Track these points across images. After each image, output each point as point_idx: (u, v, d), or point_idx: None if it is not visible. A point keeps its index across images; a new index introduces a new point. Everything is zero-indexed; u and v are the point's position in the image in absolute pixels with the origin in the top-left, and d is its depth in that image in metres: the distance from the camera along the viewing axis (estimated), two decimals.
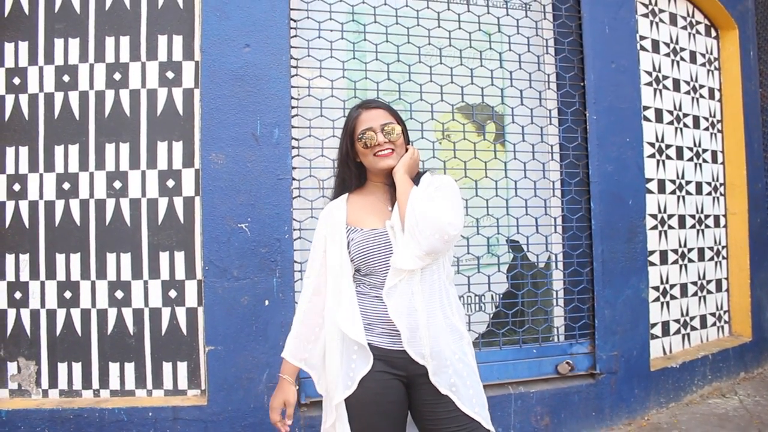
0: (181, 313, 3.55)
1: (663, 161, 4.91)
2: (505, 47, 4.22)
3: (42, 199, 3.53)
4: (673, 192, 4.99)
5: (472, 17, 4.11)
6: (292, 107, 3.63)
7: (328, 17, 3.78)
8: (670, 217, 4.96)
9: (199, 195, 3.53)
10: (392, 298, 2.08)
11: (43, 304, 3.51)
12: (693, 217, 5.19)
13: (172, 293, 3.55)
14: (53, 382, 3.50)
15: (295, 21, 3.71)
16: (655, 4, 4.96)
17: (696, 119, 5.29)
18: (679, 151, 5.08)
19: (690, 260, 5.14)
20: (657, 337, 4.77)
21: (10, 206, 3.52)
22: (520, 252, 4.23)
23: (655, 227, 4.81)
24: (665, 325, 4.87)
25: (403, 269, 2.06)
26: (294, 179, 3.60)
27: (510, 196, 4.13)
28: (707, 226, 5.35)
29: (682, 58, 5.18)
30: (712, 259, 5.39)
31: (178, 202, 3.57)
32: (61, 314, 3.51)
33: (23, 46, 3.55)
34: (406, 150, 2.28)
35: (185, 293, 3.56)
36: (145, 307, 3.54)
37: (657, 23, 4.96)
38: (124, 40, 3.58)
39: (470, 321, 3.98)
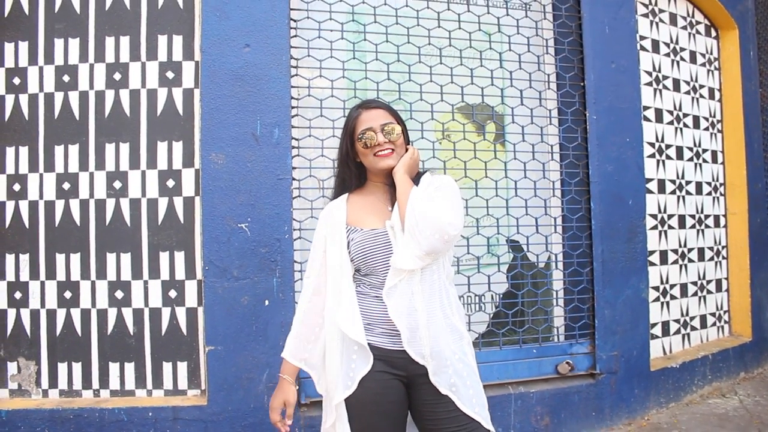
0: (181, 313, 3.55)
1: (663, 161, 4.91)
2: (505, 47, 4.22)
3: (42, 199, 3.53)
4: (673, 192, 4.99)
5: (472, 17, 4.11)
6: (292, 107, 3.63)
7: (328, 17, 3.78)
8: (670, 217, 4.96)
9: (199, 195, 3.53)
10: (392, 298, 2.08)
11: (43, 304, 3.51)
12: (693, 217, 5.19)
13: (172, 293, 3.55)
14: (53, 382, 3.50)
15: (295, 21, 3.71)
16: (655, 4, 4.96)
17: (696, 119, 5.29)
18: (679, 151, 5.08)
19: (690, 260, 5.14)
20: (657, 337, 4.77)
21: (10, 206, 3.52)
22: (520, 252, 4.23)
23: (655, 227, 4.81)
24: (665, 325, 4.87)
25: (403, 269, 2.06)
26: (294, 179, 3.60)
27: (510, 196, 4.13)
28: (707, 226, 5.35)
29: (682, 58, 5.18)
30: (712, 259, 5.39)
31: (178, 202, 3.57)
32: (61, 314, 3.51)
33: (23, 46, 3.55)
34: (406, 150, 2.28)
35: (185, 293, 3.56)
36: (145, 307, 3.54)
37: (657, 23, 4.96)
38: (124, 40, 3.58)
39: (470, 321, 3.98)
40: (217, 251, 3.43)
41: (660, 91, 4.92)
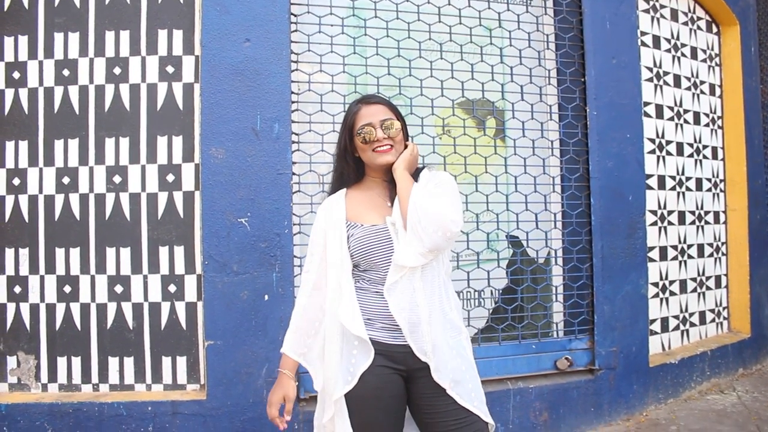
0: (180, 308, 3.55)
1: (663, 157, 4.90)
2: (506, 42, 4.21)
3: (41, 194, 3.53)
4: (673, 188, 4.99)
5: (472, 12, 4.10)
6: (292, 102, 3.63)
7: (328, 12, 3.77)
8: (670, 213, 4.96)
9: (198, 189, 3.53)
10: (394, 294, 2.09)
11: (42, 299, 3.51)
12: (693, 213, 5.19)
13: (172, 288, 3.55)
14: (53, 376, 3.51)
15: (295, 16, 3.70)
16: (656, 0, 4.95)
17: (696, 115, 5.28)
18: (680, 147, 5.08)
19: (689, 256, 5.15)
20: (656, 333, 4.77)
21: (9, 200, 3.52)
22: (520, 247, 4.23)
23: (654, 223, 4.81)
24: (664, 321, 4.88)
25: (405, 266, 2.06)
26: (294, 174, 3.60)
27: (510, 191, 4.13)
28: (707, 223, 5.35)
29: (683, 54, 5.17)
30: (711, 255, 5.39)
31: (178, 196, 3.57)
32: (60, 308, 3.51)
33: (23, 40, 3.54)
34: (405, 146, 2.27)
35: (185, 288, 3.56)
36: (144, 302, 3.54)
37: (658, 19, 4.95)
38: (124, 35, 3.58)
39: (469, 316, 3.98)
40: (216, 246, 3.43)
41: (661, 86, 4.92)
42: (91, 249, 3.53)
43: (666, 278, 4.90)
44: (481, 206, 4.02)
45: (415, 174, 2.28)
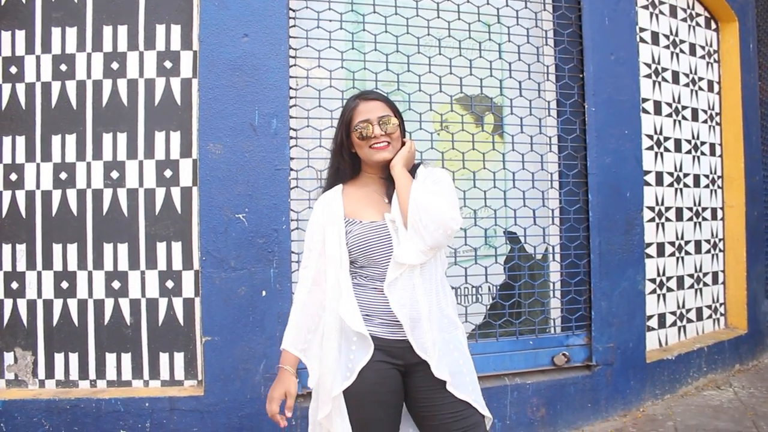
0: (178, 304, 3.55)
1: (661, 153, 4.91)
2: (505, 38, 4.20)
3: (39, 189, 3.52)
4: (670, 184, 4.99)
5: (471, 8, 4.10)
6: (291, 97, 3.62)
7: (327, 7, 3.77)
8: (668, 209, 4.97)
9: (196, 185, 3.52)
10: (394, 291, 2.09)
11: (39, 295, 3.51)
12: (690, 209, 5.20)
13: (169, 284, 3.55)
14: (50, 373, 3.51)
15: (293, 11, 3.69)
16: None
17: (695, 112, 5.28)
18: (678, 143, 5.08)
19: (687, 253, 5.15)
20: (653, 329, 4.78)
21: (6, 196, 3.51)
22: (518, 243, 4.23)
23: (652, 219, 4.81)
24: (661, 317, 4.89)
25: (405, 263, 2.07)
26: (292, 170, 3.60)
27: (508, 187, 4.13)
28: (704, 219, 5.36)
29: (681, 51, 5.17)
30: (708, 251, 5.40)
31: (176, 192, 3.56)
32: (57, 304, 3.51)
33: (20, 34, 3.53)
34: (403, 143, 2.27)
35: (182, 284, 3.55)
36: (142, 298, 3.53)
37: (657, 15, 4.94)
38: (122, 30, 3.57)
39: (467, 312, 3.98)
40: (214, 242, 3.43)
41: (659, 83, 4.92)
42: (88, 245, 3.52)
43: (663, 274, 4.91)
44: (478, 202, 4.02)
45: (412, 170, 2.27)
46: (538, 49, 4.26)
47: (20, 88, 3.52)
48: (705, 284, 5.34)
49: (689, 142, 5.20)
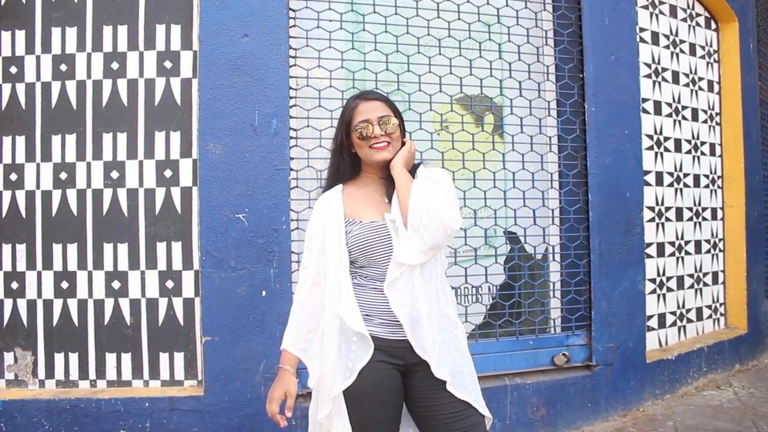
0: (178, 304, 3.55)
1: (661, 153, 4.90)
2: (505, 38, 4.20)
3: (39, 189, 3.52)
4: (670, 184, 4.99)
5: (471, 8, 4.09)
6: (291, 97, 3.62)
7: (327, 7, 3.76)
8: (668, 209, 4.97)
9: (196, 185, 3.52)
10: (394, 291, 2.09)
11: (39, 295, 3.51)
12: (690, 209, 5.20)
13: (169, 284, 3.55)
14: (50, 373, 3.50)
15: (293, 11, 3.69)
16: None
17: (695, 112, 5.28)
18: (678, 143, 5.08)
19: (687, 253, 5.15)
20: (653, 329, 4.78)
21: (6, 196, 3.51)
22: (518, 243, 4.23)
23: (652, 219, 4.81)
24: (661, 317, 4.89)
25: (405, 263, 2.07)
26: (292, 170, 3.59)
27: (508, 187, 4.13)
28: (704, 219, 5.36)
29: (681, 51, 5.17)
30: (708, 251, 5.40)
31: (176, 192, 3.56)
32: (57, 304, 3.51)
33: (20, 34, 3.53)
34: (402, 143, 2.27)
35: (182, 284, 3.55)
36: (142, 298, 3.53)
37: (657, 15, 4.94)
38: (122, 29, 3.56)
39: (467, 312, 3.98)
40: (214, 242, 3.43)
41: (659, 83, 4.92)
42: (88, 245, 3.52)
43: (663, 274, 4.91)
44: (479, 202, 4.02)
45: (412, 170, 2.27)
46: (538, 49, 4.26)
47: (20, 88, 3.52)
48: (705, 284, 5.34)
49: (689, 142, 5.20)
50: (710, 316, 5.40)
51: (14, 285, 3.50)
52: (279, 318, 3.45)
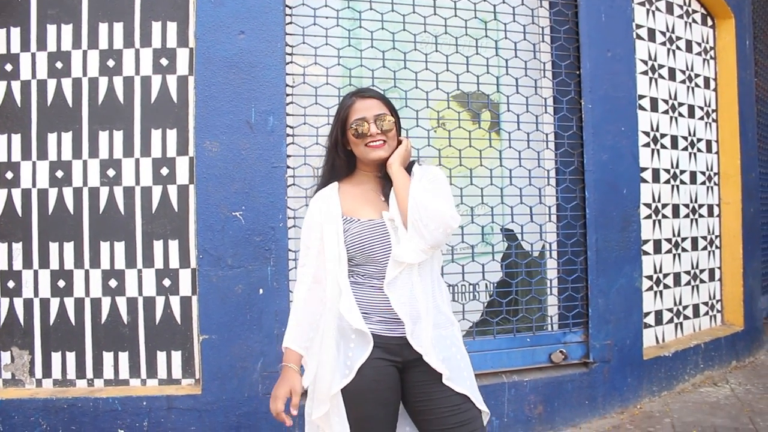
0: (175, 302, 3.54)
1: (658, 150, 4.91)
2: (501, 35, 4.20)
3: (35, 187, 3.50)
4: (667, 181, 5.00)
5: (468, 5, 4.09)
6: (287, 95, 3.61)
7: (323, 4, 3.76)
8: (664, 206, 4.97)
9: (193, 183, 3.51)
10: (394, 289, 2.09)
11: (36, 293, 3.49)
12: (687, 206, 5.21)
13: (166, 282, 3.54)
14: (47, 372, 3.49)
15: (290, 8, 3.68)
16: None
17: (691, 108, 5.29)
18: (674, 140, 5.08)
19: (683, 249, 5.16)
20: (650, 326, 4.79)
21: (2, 194, 3.50)
22: (515, 241, 4.23)
23: (649, 216, 4.81)
24: (658, 314, 4.89)
25: (405, 262, 2.07)
26: (288, 167, 3.59)
27: (505, 184, 4.13)
28: (701, 216, 5.37)
29: (677, 47, 5.17)
30: (705, 248, 5.41)
31: (172, 190, 3.55)
32: (54, 303, 3.50)
33: (15, 32, 3.51)
34: (399, 141, 2.26)
35: (179, 282, 3.54)
36: (139, 296, 3.53)
37: (653, 12, 4.94)
38: (118, 27, 3.55)
39: (464, 310, 3.98)
40: (211, 240, 3.42)
41: (655, 80, 4.92)
42: (85, 243, 3.51)
43: (660, 271, 4.92)
44: (475, 199, 4.02)
45: (407, 169, 2.27)
46: (534, 46, 4.26)
47: (16, 86, 3.51)
48: (701, 281, 5.35)
49: (686, 138, 5.21)
50: (707, 313, 5.41)
51: (11, 284, 3.49)
52: (276, 316, 3.44)
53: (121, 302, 3.51)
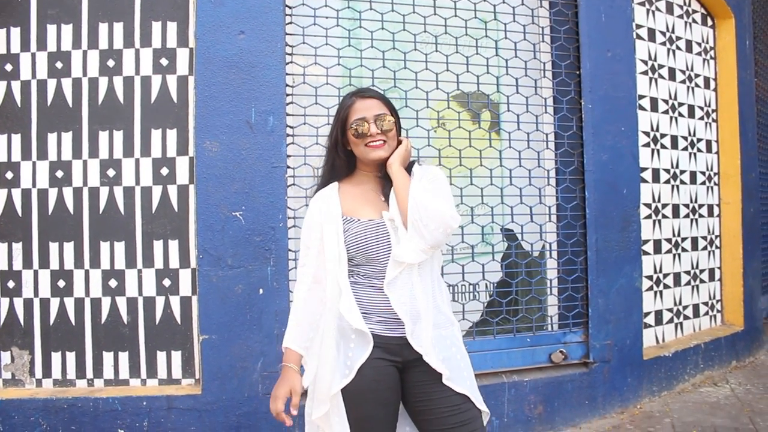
0: (175, 302, 3.54)
1: (658, 150, 4.91)
2: (501, 35, 4.20)
3: (35, 187, 3.50)
4: (667, 181, 5.00)
5: (468, 4, 4.09)
6: (287, 95, 3.61)
7: (323, 4, 3.75)
8: (664, 206, 4.97)
9: (193, 183, 3.51)
10: (394, 289, 2.09)
11: (36, 293, 3.49)
12: (687, 206, 5.20)
13: (166, 282, 3.54)
14: (47, 372, 3.49)
15: (290, 8, 3.68)
16: None
17: (691, 108, 5.29)
18: (674, 140, 5.08)
19: (683, 249, 5.16)
20: (650, 326, 4.79)
21: (2, 194, 3.50)
22: (515, 241, 4.23)
23: (649, 216, 4.81)
24: (658, 314, 4.89)
25: (405, 262, 2.07)
26: (288, 167, 3.59)
27: (505, 184, 4.13)
28: (701, 216, 5.37)
29: (677, 47, 5.17)
30: (705, 248, 5.41)
31: (172, 190, 3.55)
32: (54, 303, 3.50)
33: (15, 32, 3.51)
34: (399, 141, 2.26)
35: (179, 282, 3.54)
36: (139, 296, 3.52)
37: (653, 12, 4.94)
38: (118, 27, 3.55)
39: (464, 310, 3.98)
40: (211, 240, 3.42)
41: (655, 80, 4.92)
42: (85, 243, 3.51)
43: (660, 271, 4.92)
44: (475, 199, 4.02)
45: (407, 169, 2.27)
46: (534, 46, 4.26)
47: (16, 86, 3.51)
48: (701, 281, 5.35)
49: (686, 138, 5.20)
50: (707, 313, 5.41)
51: (11, 284, 3.49)
52: (276, 316, 3.44)
53: (121, 302, 3.51)
